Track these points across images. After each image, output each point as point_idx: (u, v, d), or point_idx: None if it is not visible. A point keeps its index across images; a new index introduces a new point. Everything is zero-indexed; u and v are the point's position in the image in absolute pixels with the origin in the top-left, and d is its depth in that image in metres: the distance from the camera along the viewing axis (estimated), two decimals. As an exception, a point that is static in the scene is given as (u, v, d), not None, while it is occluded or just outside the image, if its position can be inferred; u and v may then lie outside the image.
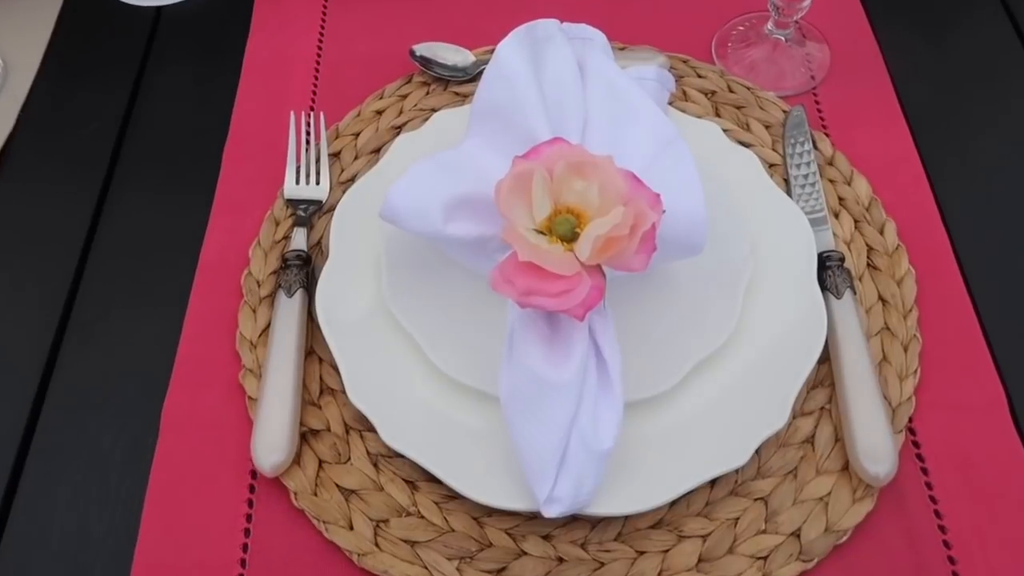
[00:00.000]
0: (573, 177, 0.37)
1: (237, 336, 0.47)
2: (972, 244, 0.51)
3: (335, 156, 0.54)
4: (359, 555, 0.40)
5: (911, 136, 0.55)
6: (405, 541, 0.41)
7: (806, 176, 0.52)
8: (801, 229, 0.48)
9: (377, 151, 0.54)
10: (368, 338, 0.44)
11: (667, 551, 0.40)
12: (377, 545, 0.40)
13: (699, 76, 0.58)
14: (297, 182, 0.52)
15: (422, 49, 0.58)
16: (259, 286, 0.48)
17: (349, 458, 0.43)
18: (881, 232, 0.50)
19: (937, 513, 0.42)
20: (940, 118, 0.57)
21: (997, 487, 0.42)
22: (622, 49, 0.58)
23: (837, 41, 0.60)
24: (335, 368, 0.44)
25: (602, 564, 0.40)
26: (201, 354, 0.47)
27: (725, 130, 0.53)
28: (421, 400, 0.43)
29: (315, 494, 0.42)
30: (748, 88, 0.57)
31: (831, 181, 0.52)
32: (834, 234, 0.50)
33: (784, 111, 0.56)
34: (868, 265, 0.49)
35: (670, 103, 0.52)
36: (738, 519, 0.41)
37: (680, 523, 0.41)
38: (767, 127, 0.55)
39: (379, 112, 0.56)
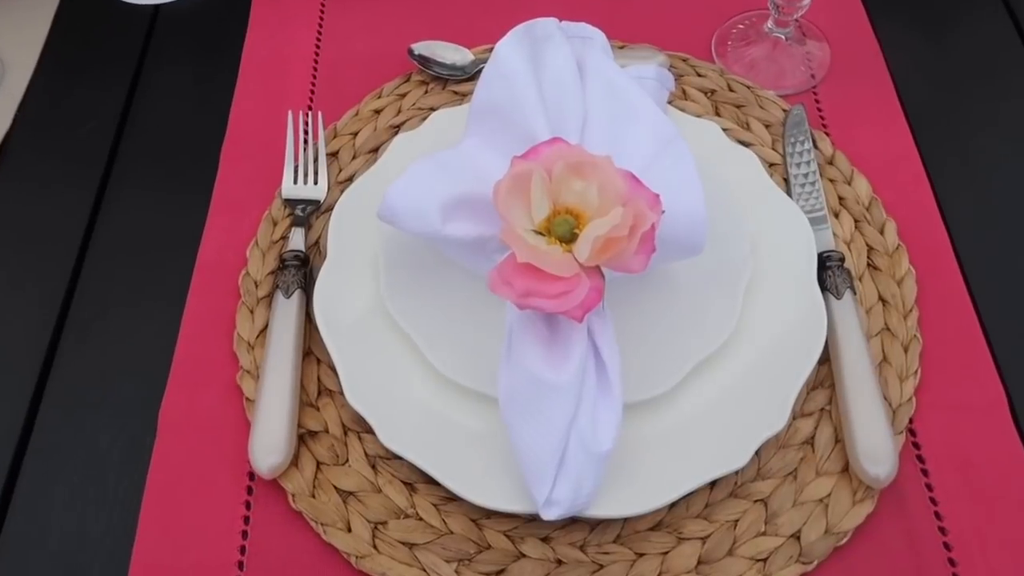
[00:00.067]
0: (572, 177, 0.37)
1: (235, 337, 0.46)
2: (972, 244, 0.51)
3: (333, 155, 0.54)
4: (357, 557, 0.40)
5: (911, 135, 0.55)
6: (403, 543, 0.40)
7: (806, 175, 0.52)
8: (801, 229, 0.47)
9: (375, 150, 0.54)
10: (366, 339, 0.44)
11: (666, 553, 0.40)
12: (375, 547, 0.40)
13: (699, 75, 0.57)
14: (295, 182, 0.52)
15: (420, 48, 0.58)
16: (257, 286, 0.48)
17: (347, 460, 0.43)
18: (881, 232, 0.50)
19: (938, 515, 0.42)
20: (941, 117, 0.57)
21: (998, 488, 0.42)
22: (621, 48, 0.58)
23: (837, 40, 0.60)
24: (333, 369, 0.44)
25: (601, 566, 0.40)
26: (199, 354, 0.47)
27: (725, 129, 0.53)
28: (419, 401, 0.42)
29: (313, 496, 0.42)
30: (748, 87, 0.57)
31: (831, 180, 0.52)
32: (834, 234, 0.50)
33: (784, 110, 0.55)
34: (868, 265, 0.49)
35: (670, 102, 0.52)
36: (738, 521, 0.41)
37: (679, 525, 0.41)
38: (767, 126, 0.55)
39: (377, 111, 0.56)
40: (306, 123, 0.55)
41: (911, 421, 0.44)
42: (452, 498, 0.41)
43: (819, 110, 0.57)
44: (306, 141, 0.54)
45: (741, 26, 0.61)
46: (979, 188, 0.53)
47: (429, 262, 0.45)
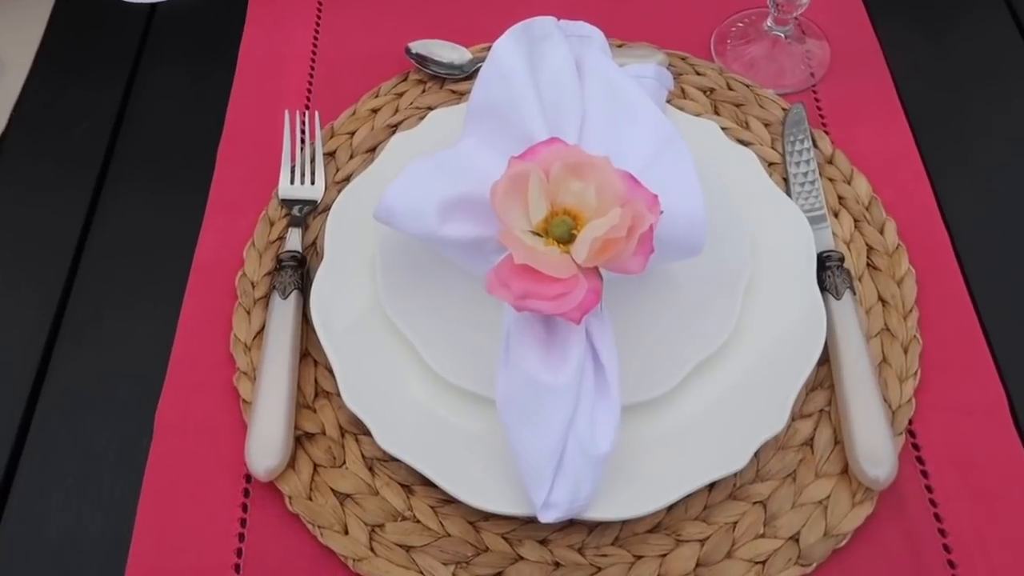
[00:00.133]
0: (570, 178, 0.36)
1: (231, 338, 0.46)
2: (973, 244, 0.50)
3: (330, 155, 0.54)
4: (354, 560, 0.40)
5: (911, 134, 0.55)
6: (400, 546, 0.40)
7: (805, 174, 0.52)
8: (801, 229, 0.47)
9: (373, 150, 0.54)
10: (363, 341, 0.44)
11: (665, 555, 0.40)
12: (372, 550, 0.40)
13: (698, 74, 0.57)
14: (292, 182, 0.52)
15: (418, 47, 0.57)
16: (253, 287, 0.48)
17: (344, 462, 0.43)
18: (881, 231, 0.50)
19: (937, 516, 0.42)
20: (941, 116, 0.56)
21: (998, 489, 0.42)
22: (620, 46, 0.58)
23: (837, 38, 0.59)
24: (330, 371, 0.44)
25: (599, 569, 0.40)
26: (195, 356, 0.46)
27: (724, 128, 0.53)
28: (417, 403, 0.42)
29: (310, 498, 0.41)
30: (747, 86, 0.56)
31: (831, 180, 0.52)
32: (834, 233, 0.50)
33: (783, 109, 0.55)
34: (868, 265, 0.49)
35: (669, 101, 0.52)
36: (736, 523, 0.41)
37: (678, 527, 0.41)
38: (766, 125, 0.54)
39: (374, 111, 0.56)
40: (303, 123, 0.55)
41: (911, 422, 0.44)
42: (449, 500, 0.41)
43: (819, 109, 0.56)
44: (303, 141, 0.54)
45: (740, 24, 0.61)
46: (979, 187, 0.53)
47: (427, 263, 0.45)
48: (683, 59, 0.58)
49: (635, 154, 0.41)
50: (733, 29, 0.60)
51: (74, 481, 0.43)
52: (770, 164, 0.53)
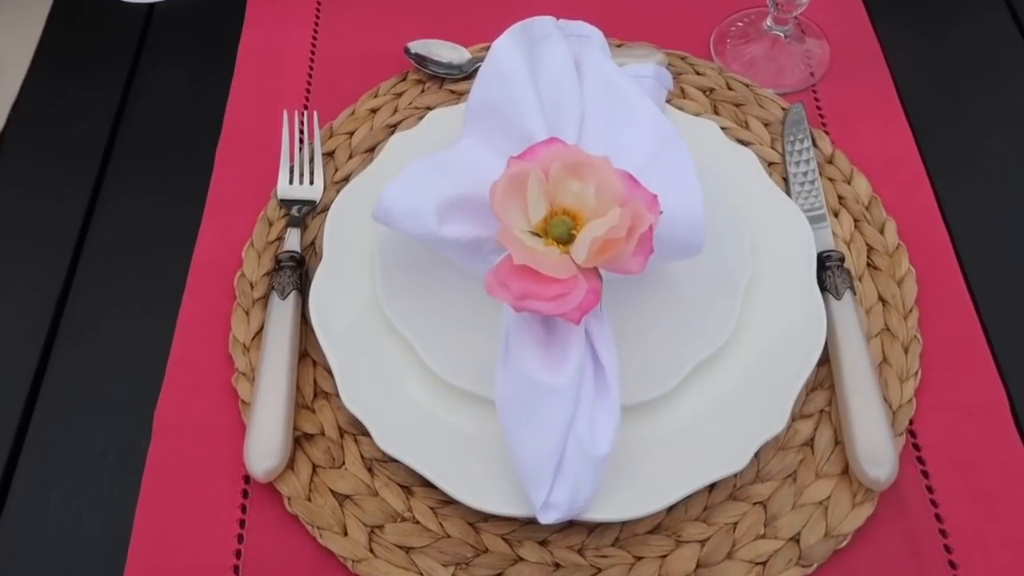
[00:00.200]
0: (569, 178, 0.36)
1: (230, 339, 0.46)
2: (973, 243, 0.50)
3: (329, 155, 0.54)
4: (353, 561, 0.40)
5: (912, 134, 0.55)
6: (400, 547, 0.40)
7: (805, 174, 0.52)
8: (801, 229, 0.47)
9: (371, 150, 0.54)
10: (362, 341, 0.44)
11: (665, 556, 0.40)
12: (372, 551, 0.40)
13: (697, 73, 0.57)
14: (291, 182, 0.52)
15: (417, 46, 0.57)
16: (252, 288, 0.48)
17: (343, 463, 0.42)
18: (881, 231, 0.50)
19: (938, 517, 0.41)
20: (941, 115, 0.56)
21: (999, 489, 0.42)
22: (619, 46, 0.58)
23: (837, 37, 0.59)
24: (329, 371, 0.43)
25: (599, 570, 0.40)
26: (194, 356, 0.46)
27: (723, 128, 0.53)
28: (416, 404, 0.42)
29: (309, 499, 0.41)
30: (747, 85, 0.56)
31: (830, 179, 0.52)
32: (833, 233, 0.50)
33: (783, 108, 0.55)
34: (868, 265, 0.49)
35: (668, 101, 0.51)
36: (737, 524, 0.41)
37: (678, 528, 0.41)
38: (766, 125, 0.54)
39: (373, 110, 0.55)
40: (302, 122, 0.55)
41: (911, 422, 0.44)
42: (449, 501, 0.41)
43: (818, 108, 0.56)
44: (302, 141, 0.54)
45: (740, 24, 0.60)
46: (980, 187, 0.53)
47: (426, 263, 0.44)
48: (682, 59, 0.58)
49: (634, 154, 0.41)
50: (732, 28, 0.60)
51: (73, 482, 0.43)
52: (770, 164, 0.53)
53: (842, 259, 0.47)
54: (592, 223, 0.35)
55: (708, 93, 0.56)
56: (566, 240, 0.36)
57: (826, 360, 0.45)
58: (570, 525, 0.41)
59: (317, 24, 0.61)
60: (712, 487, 0.41)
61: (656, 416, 0.42)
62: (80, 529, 0.42)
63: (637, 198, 0.36)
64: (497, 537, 0.40)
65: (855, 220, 0.50)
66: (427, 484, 0.41)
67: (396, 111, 0.55)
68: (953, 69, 0.59)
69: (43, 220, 0.52)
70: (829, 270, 0.46)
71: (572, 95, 0.43)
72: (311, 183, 0.52)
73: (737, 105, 0.55)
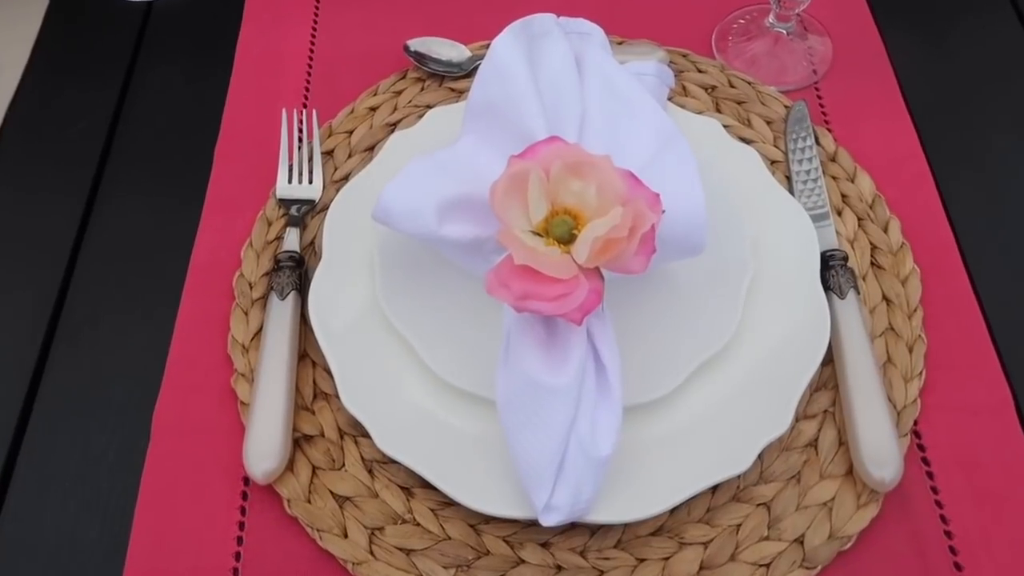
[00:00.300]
0: (570, 177, 0.36)
1: (229, 339, 0.46)
2: (978, 242, 0.50)
3: (328, 154, 0.53)
4: (354, 564, 0.39)
5: (915, 131, 0.54)
6: (400, 549, 0.40)
7: (808, 172, 0.51)
8: (804, 228, 0.47)
9: (371, 149, 0.53)
10: (362, 342, 0.43)
11: (668, 558, 0.40)
12: (372, 553, 0.40)
13: (699, 71, 0.57)
14: (290, 181, 0.51)
15: (416, 44, 0.57)
16: (251, 288, 0.47)
17: (343, 464, 0.42)
18: (885, 230, 0.49)
19: (943, 518, 0.41)
20: (945, 113, 0.56)
21: (1004, 490, 0.42)
22: (620, 43, 0.57)
23: (839, 34, 0.59)
24: (328, 372, 0.43)
25: (602, 572, 0.40)
26: (193, 357, 0.46)
27: (726, 126, 0.52)
28: (416, 405, 0.42)
29: (309, 501, 0.41)
30: (749, 83, 0.56)
31: (834, 178, 0.52)
32: (837, 232, 0.49)
33: (786, 106, 0.55)
34: (872, 264, 0.48)
35: (670, 99, 0.51)
36: (740, 525, 0.40)
37: (681, 530, 0.40)
38: (768, 123, 0.54)
39: (373, 109, 0.55)
40: (301, 121, 0.54)
41: (916, 423, 0.43)
42: (450, 503, 0.41)
43: (821, 106, 0.56)
44: (301, 140, 0.53)
45: (742, 21, 0.60)
46: (984, 185, 0.53)
47: (426, 263, 0.44)
48: (684, 56, 0.57)
49: (636, 152, 0.41)
50: (735, 26, 0.60)
51: (71, 483, 0.43)
52: (772, 162, 0.52)
53: (845, 258, 0.47)
54: (593, 223, 0.35)
55: (710, 91, 0.56)
56: (567, 240, 0.36)
57: (830, 360, 0.44)
58: (572, 527, 0.40)
59: (316, 22, 0.61)
60: (715, 488, 0.41)
61: (658, 417, 0.41)
62: (79, 530, 0.42)
63: (639, 197, 0.36)
64: (498, 539, 0.40)
65: (859, 219, 0.50)
66: (428, 486, 0.40)
67: (396, 109, 0.55)
68: (957, 66, 0.58)
69: (41, 220, 0.52)
70: (832, 269, 0.46)
71: (573, 93, 0.43)
72: (310, 182, 0.51)
73: (739, 103, 0.55)
